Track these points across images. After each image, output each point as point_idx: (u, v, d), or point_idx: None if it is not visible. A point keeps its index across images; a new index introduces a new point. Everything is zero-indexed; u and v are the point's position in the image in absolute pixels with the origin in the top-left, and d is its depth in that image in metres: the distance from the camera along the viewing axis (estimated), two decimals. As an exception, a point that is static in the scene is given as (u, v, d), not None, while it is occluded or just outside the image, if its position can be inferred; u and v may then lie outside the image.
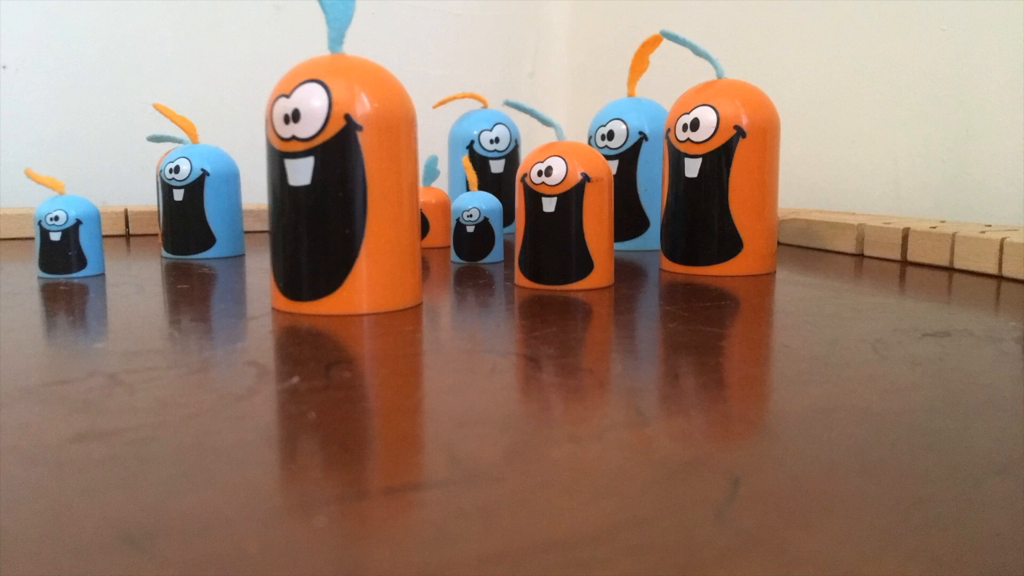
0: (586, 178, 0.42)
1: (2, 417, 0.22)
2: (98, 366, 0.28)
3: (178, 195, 0.58)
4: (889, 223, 0.56)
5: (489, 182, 0.70)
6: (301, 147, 0.35)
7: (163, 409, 0.23)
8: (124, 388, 0.25)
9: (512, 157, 0.72)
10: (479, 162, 0.71)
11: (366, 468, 0.19)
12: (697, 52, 0.50)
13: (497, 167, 0.71)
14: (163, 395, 0.25)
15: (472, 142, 0.71)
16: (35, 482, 0.18)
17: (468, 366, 0.29)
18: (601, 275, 0.43)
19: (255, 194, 0.80)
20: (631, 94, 0.62)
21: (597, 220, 0.43)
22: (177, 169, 0.58)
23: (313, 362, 0.28)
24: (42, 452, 0.20)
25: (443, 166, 0.67)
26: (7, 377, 0.27)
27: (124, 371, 0.27)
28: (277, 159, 0.36)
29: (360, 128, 0.35)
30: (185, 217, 0.58)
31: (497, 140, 0.71)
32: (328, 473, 0.19)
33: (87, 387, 0.25)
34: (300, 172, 0.35)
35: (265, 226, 0.63)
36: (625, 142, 0.60)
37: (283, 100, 0.36)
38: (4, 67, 0.84)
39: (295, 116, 0.35)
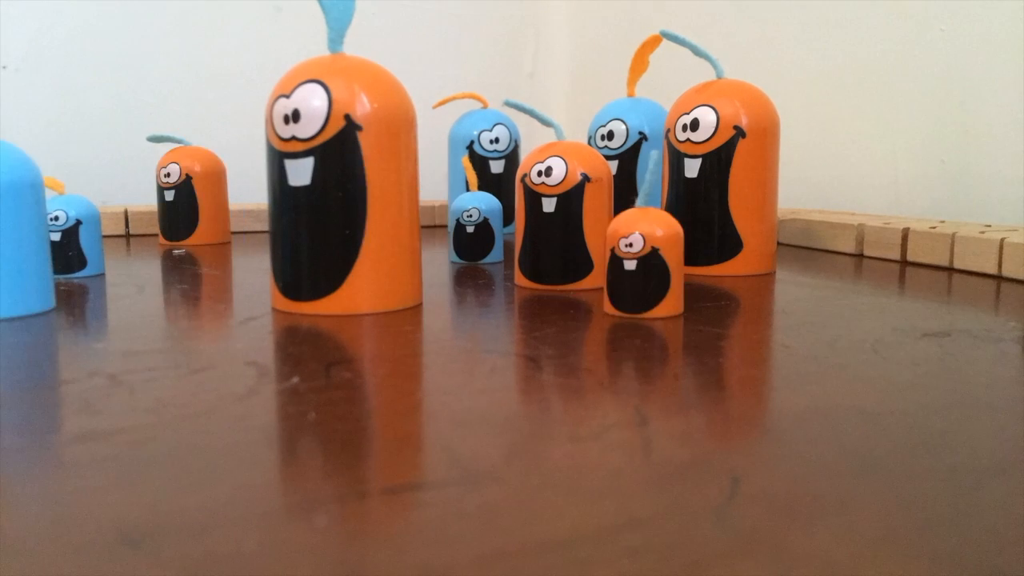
0: (586, 178, 0.42)
1: (2, 417, 0.22)
2: (98, 366, 0.28)
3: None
4: (889, 223, 0.56)
5: (489, 182, 0.70)
6: (301, 147, 0.35)
7: (163, 409, 0.23)
8: (124, 388, 0.25)
9: (512, 157, 0.72)
10: (479, 162, 0.71)
11: (366, 468, 0.19)
12: (697, 52, 0.50)
13: (497, 167, 0.71)
14: (163, 395, 0.25)
15: (472, 142, 0.71)
16: (35, 482, 0.18)
17: (468, 366, 0.29)
18: (601, 275, 0.43)
19: (255, 194, 0.80)
20: (631, 94, 0.62)
21: (597, 220, 0.43)
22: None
23: (313, 362, 0.28)
24: (42, 452, 0.20)
25: (443, 166, 0.67)
26: (7, 377, 0.27)
27: (124, 371, 0.27)
28: (277, 159, 0.36)
29: (360, 128, 0.35)
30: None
31: (497, 140, 0.71)
32: (328, 473, 0.19)
33: (87, 387, 0.25)
34: (300, 172, 0.35)
35: (265, 226, 0.63)
36: (625, 142, 0.60)
37: (283, 100, 0.36)
38: (4, 67, 0.84)
39: (295, 116, 0.35)
